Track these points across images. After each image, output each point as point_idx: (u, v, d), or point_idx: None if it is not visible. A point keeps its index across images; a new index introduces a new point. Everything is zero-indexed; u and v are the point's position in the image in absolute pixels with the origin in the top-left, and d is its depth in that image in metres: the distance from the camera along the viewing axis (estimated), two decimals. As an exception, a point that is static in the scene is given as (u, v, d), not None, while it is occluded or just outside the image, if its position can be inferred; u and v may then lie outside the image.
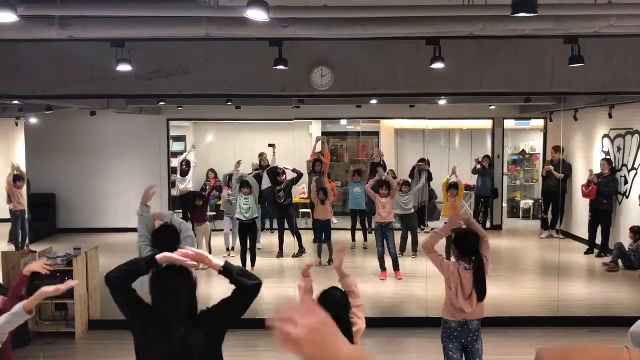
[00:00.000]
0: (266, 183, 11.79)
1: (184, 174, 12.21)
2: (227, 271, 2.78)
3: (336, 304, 3.36)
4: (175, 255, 2.72)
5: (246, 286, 2.75)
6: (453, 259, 4.71)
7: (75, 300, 6.79)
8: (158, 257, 2.76)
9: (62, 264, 6.82)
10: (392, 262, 8.85)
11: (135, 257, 2.85)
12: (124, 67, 6.09)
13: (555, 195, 11.52)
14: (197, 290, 2.86)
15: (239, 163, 10.31)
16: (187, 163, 12.30)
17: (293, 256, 10.18)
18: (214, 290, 7.36)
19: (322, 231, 9.81)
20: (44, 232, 11.71)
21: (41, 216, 11.47)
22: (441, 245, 9.28)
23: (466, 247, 4.51)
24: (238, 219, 9.31)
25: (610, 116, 10.01)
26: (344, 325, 3.36)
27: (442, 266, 4.56)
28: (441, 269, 4.57)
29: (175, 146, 13.81)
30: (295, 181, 10.77)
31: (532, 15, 3.95)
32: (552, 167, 11.51)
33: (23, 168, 9.87)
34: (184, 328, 2.69)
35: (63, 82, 6.64)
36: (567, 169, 11.67)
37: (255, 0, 3.82)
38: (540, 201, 12.92)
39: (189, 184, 12.33)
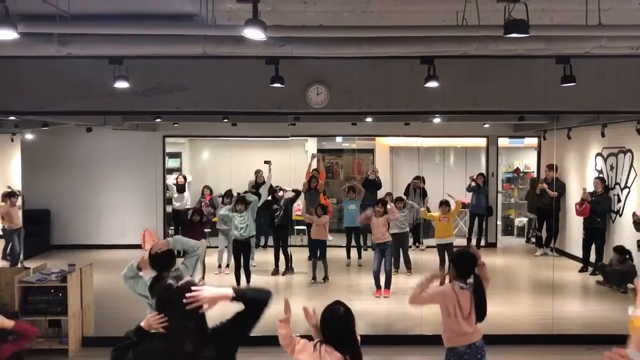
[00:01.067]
0: (262, 200, 11.80)
1: (181, 190, 12.18)
2: (239, 296, 2.79)
3: (341, 318, 3.35)
4: (154, 323, 2.71)
5: (261, 300, 2.79)
6: (447, 281, 4.70)
7: (68, 316, 6.74)
8: (143, 324, 2.79)
9: (56, 280, 6.79)
10: (385, 279, 8.86)
11: (127, 331, 2.88)
12: (122, 84, 6.14)
13: (548, 213, 11.59)
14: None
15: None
16: (184, 177, 12.29)
17: (282, 274, 10.20)
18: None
19: (317, 248, 9.81)
20: (37, 248, 11.64)
21: (35, 232, 11.41)
22: (434, 262, 9.35)
23: (464, 268, 4.51)
24: (234, 238, 9.25)
25: (603, 135, 10.11)
26: (350, 338, 3.34)
27: (433, 297, 4.47)
28: (434, 301, 4.48)
29: (171, 163, 13.83)
30: (293, 200, 10.78)
31: (524, 35, 4.02)
32: (545, 185, 11.58)
33: (18, 184, 9.85)
34: (194, 346, 2.67)
35: (61, 99, 6.68)
36: (561, 187, 11.74)
37: (253, 20, 3.87)
38: (534, 218, 12.96)
39: (186, 201, 12.26)
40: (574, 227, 11.47)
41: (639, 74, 6.63)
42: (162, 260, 4.55)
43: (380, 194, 12.09)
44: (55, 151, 12.46)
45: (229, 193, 10.66)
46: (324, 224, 9.79)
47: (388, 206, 9.09)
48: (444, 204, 9.54)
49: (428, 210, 10.02)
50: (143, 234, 12.72)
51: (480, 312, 4.43)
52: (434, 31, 4.75)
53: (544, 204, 11.73)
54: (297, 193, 10.75)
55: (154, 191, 12.75)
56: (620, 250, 9.35)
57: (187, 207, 11.93)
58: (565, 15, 5.10)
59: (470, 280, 4.50)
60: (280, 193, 10.54)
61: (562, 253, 11.93)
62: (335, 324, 3.33)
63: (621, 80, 6.64)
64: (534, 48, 4.86)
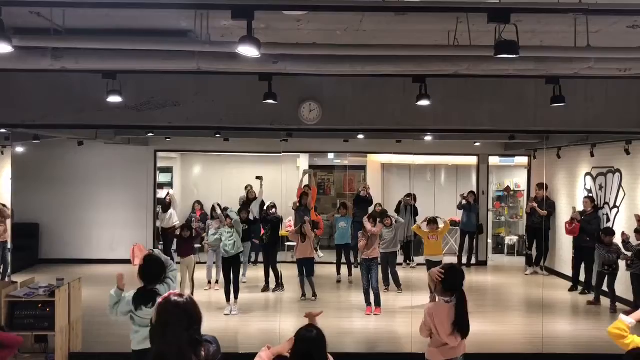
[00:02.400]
0: (253, 216, 11.76)
1: (166, 209, 12.02)
2: None
3: (312, 341, 3.34)
4: None
5: None
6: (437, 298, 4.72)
7: (55, 332, 6.66)
8: None
9: (44, 295, 6.71)
10: (374, 297, 8.83)
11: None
12: (115, 98, 6.14)
13: (539, 232, 11.66)
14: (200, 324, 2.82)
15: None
16: (169, 195, 12.15)
17: (272, 291, 10.16)
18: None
19: (304, 266, 9.78)
20: (25, 262, 11.52)
21: (23, 246, 11.30)
22: (425, 279, 9.35)
23: (450, 283, 4.53)
24: (223, 256, 9.11)
25: (592, 154, 10.21)
26: None
27: (427, 320, 4.53)
28: (429, 321, 4.53)
29: (162, 177, 13.79)
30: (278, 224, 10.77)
31: (514, 56, 4.08)
32: (535, 204, 11.66)
33: (8, 197, 9.77)
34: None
35: (53, 112, 6.67)
36: (551, 206, 11.81)
37: (247, 37, 3.91)
38: (525, 237, 13.01)
39: (172, 219, 12.04)
40: (564, 246, 11.53)
41: (627, 95, 6.73)
42: (152, 273, 4.53)
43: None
44: (46, 164, 12.39)
45: (213, 208, 10.61)
46: (310, 242, 9.76)
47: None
48: (432, 222, 9.53)
49: (419, 227, 10.00)
50: (133, 248, 12.60)
51: (461, 327, 4.43)
52: (426, 51, 4.80)
53: (534, 222, 11.79)
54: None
55: (144, 206, 12.69)
56: (610, 232, 9.35)
57: (174, 223, 11.81)
58: (555, 37, 5.19)
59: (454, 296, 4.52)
60: (273, 210, 10.50)
61: (552, 272, 11.98)
62: (307, 347, 3.32)
63: (610, 101, 6.74)
64: (524, 68, 4.93)
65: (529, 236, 12.28)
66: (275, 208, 10.59)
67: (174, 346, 2.66)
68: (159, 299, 2.89)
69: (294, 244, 10.32)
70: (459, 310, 4.43)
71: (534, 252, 12.22)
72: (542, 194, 11.63)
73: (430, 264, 9.30)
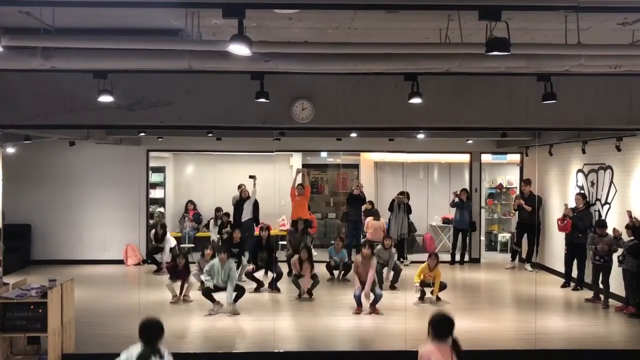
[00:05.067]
0: (247, 215, 11.75)
1: (159, 240, 11.62)
2: None
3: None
4: None
5: None
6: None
7: (48, 333, 6.62)
8: None
9: (36, 296, 6.67)
10: (373, 296, 8.84)
11: None
12: (106, 98, 6.11)
13: (529, 228, 11.72)
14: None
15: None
16: (162, 226, 11.85)
17: (275, 290, 10.12)
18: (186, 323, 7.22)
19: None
20: (17, 263, 11.46)
21: (15, 247, 11.24)
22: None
23: (442, 331, 4.40)
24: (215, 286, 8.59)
25: (584, 151, 10.27)
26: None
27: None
28: None
29: (154, 177, 13.74)
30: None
31: (505, 53, 4.10)
32: (522, 201, 11.74)
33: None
34: None
35: (44, 112, 6.63)
36: (534, 201, 11.83)
37: (238, 35, 3.90)
38: (515, 233, 13.06)
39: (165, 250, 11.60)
40: (555, 243, 11.59)
41: (618, 92, 6.76)
42: (152, 332, 4.33)
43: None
44: (37, 165, 12.34)
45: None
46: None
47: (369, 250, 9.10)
48: (433, 255, 9.58)
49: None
50: (125, 249, 12.60)
51: None
52: (417, 48, 4.81)
53: (524, 219, 11.87)
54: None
55: (137, 206, 12.64)
56: (603, 224, 9.39)
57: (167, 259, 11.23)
58: (546, 34, 5.21)
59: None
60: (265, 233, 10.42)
61: (544, 268, 12.03)
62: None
63: (600, 98, 6.76)
64: (515, 66, 4.94)
65: (518, 232, 12.37)
66: (269, 230, 10.56)
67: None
68: None
69: (285, 243, 10.28)
70: (457, 350, 4.37)
71: (524, 248, 12.32)
72: (528, 189, 11.73)
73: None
